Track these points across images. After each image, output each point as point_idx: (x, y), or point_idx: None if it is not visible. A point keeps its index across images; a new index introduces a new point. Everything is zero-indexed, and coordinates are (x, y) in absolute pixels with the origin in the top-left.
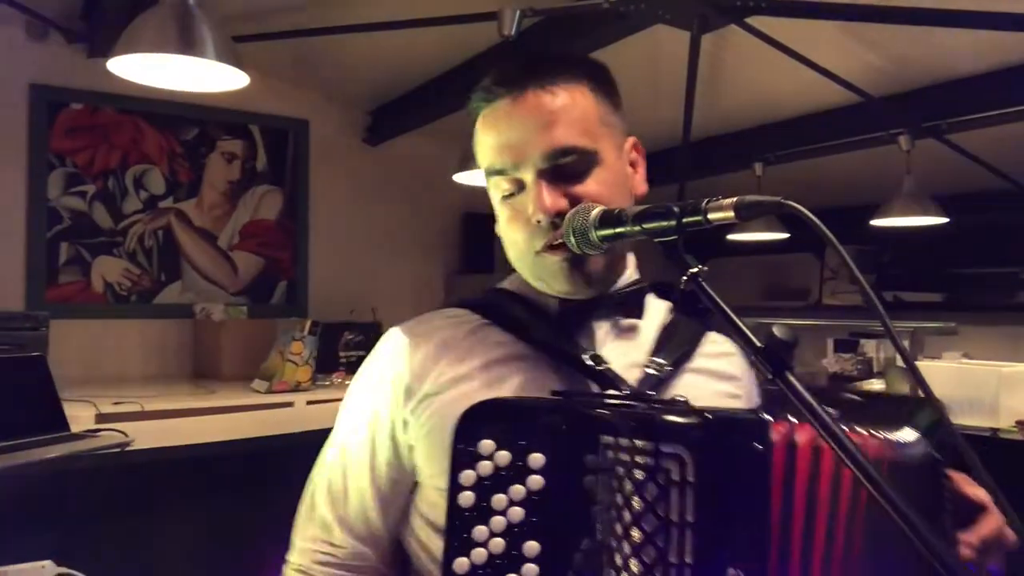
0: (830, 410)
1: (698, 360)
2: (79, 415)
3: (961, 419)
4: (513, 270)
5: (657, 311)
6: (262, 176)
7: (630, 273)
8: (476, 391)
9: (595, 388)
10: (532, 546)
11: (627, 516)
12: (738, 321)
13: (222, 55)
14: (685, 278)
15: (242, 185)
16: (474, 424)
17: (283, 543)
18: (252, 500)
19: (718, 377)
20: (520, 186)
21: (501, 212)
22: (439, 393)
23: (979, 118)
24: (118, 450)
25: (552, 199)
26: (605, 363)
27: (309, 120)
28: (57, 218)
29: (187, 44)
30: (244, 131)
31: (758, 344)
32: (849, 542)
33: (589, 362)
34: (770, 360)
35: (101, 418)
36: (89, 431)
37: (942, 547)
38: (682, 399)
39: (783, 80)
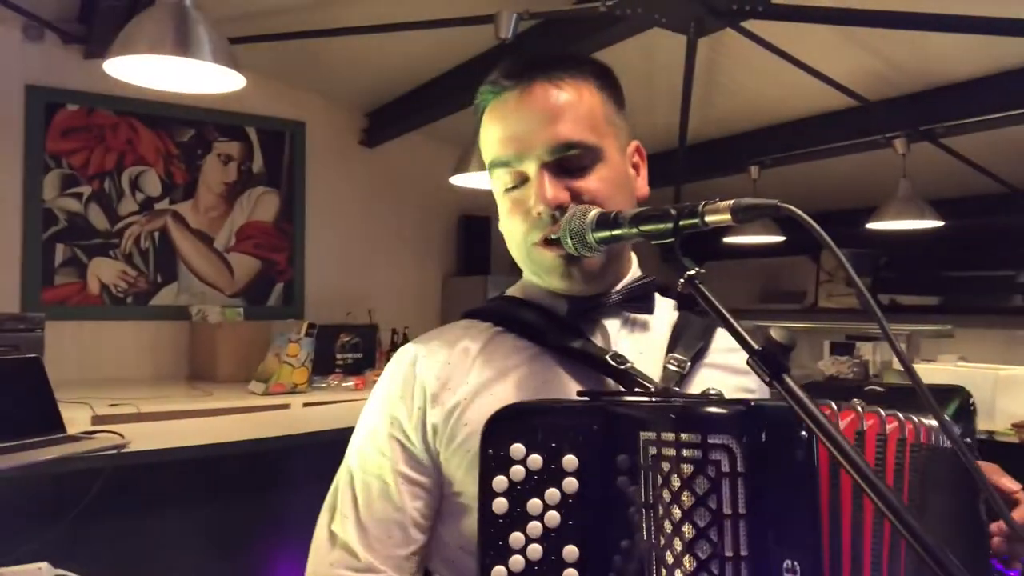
0: (852, 404)
1: (712, 355)
2: (75, 417)
3: None
4: (513, 271)
5: (665, 308)
6: (258, 178)
7: (634, 270)
8: (500, 398)
9: (617, 387)
10: (571, 551)
11: (676, 512)
12: (735, 323)
13: (218, 57)
14: (682, 280)
15: (238, 187)
16: (502, 429)
17: (280, 544)
18: (249, 502)
19: (733, 372)
20: (523, 178)
21: (502, 204)
22: (466, 402)
23: (974, 122)
24: (114, 452)
25: (554, 191)
26: (627, 361)
27: (306, 122)
28: (53, 219)
29: (183, 46)
30: (240, 133)
31: (755, 347)
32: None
33: (611, 361)
34: (767, 363)
35: (97, 420)
36: (85, 433)
37: (943, 551)
38: (715, 392)
39: (779, 84)
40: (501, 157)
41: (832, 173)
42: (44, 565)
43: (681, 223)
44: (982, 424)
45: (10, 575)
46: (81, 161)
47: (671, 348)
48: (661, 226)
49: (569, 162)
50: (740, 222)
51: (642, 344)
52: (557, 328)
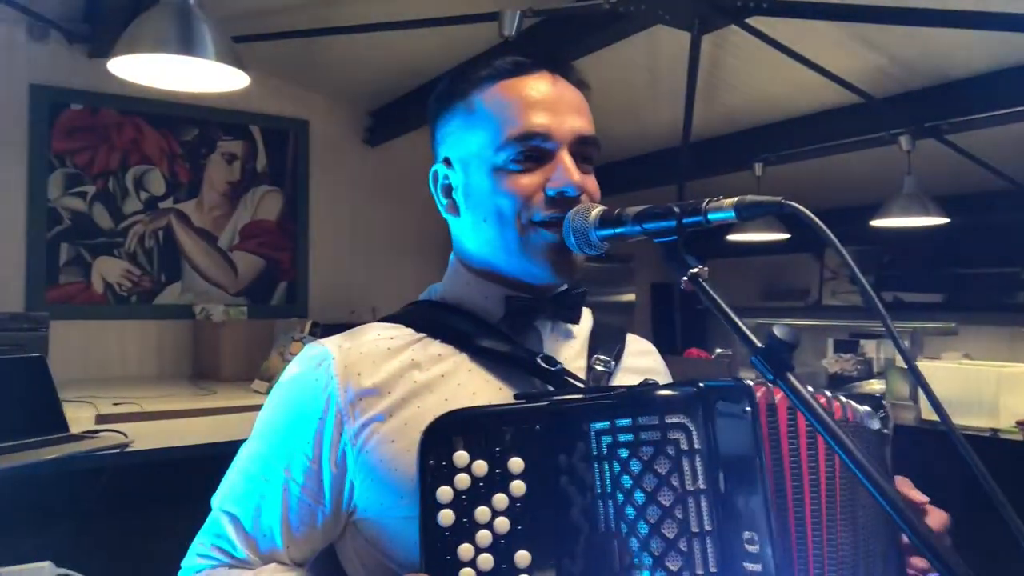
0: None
1: (627, 359)
2: (79, 416)
3: (961, 419)
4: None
5: (584, 315)
6: (262, 177)
7: None
8: (428, 409)
9: (551, 389)
10: (523, 556)
11: (639, 496)
12: (739, 322)
13: (222, 55)
14: (685, 279)
15: (242, 186)
16: (443, 438)
17: None
18: None
19: (646, 374)
20: (543, 156)
21: (493, 181)
22: (386, 418)
23: (979, 118)
24: (118, 451)
25: (579, 176)
26: (558, 363)
27: (309, 120)
28: (57, 219)
29: (187, 44)
30: (244, 131)
31: (759, 345)
32: (831, 490)
33: (543, 364)
34: (771, 361)
35: (101, 419)
36: (89, 432)
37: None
38: (652, 381)
39: (783, 80)
40: (531, 130)
41: (836, 170)
42: (47, 564)
43: (685, 221)
44: (986, 422)
45: (14, 574)
46: (85, 160)
47: (593, 351)
48: (665, 224)
49: (587, 154)
50: (744, 219)
51: (565, 349)
52: (484, 332)
